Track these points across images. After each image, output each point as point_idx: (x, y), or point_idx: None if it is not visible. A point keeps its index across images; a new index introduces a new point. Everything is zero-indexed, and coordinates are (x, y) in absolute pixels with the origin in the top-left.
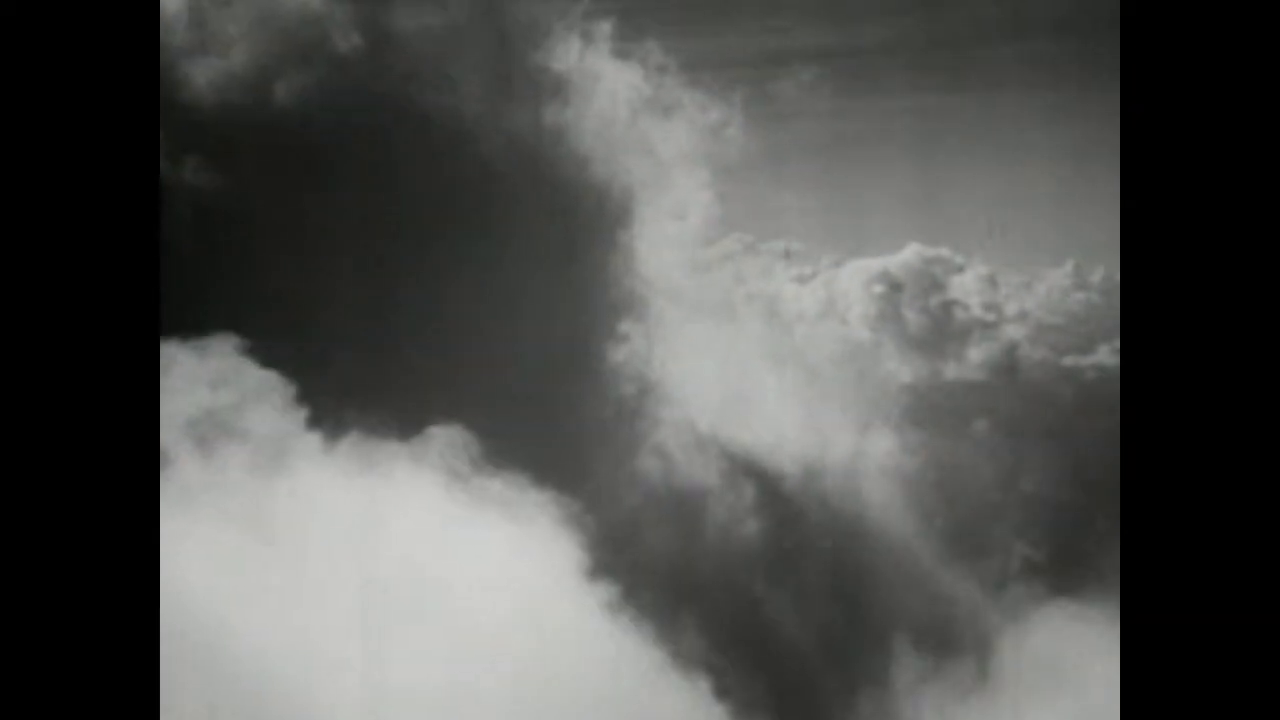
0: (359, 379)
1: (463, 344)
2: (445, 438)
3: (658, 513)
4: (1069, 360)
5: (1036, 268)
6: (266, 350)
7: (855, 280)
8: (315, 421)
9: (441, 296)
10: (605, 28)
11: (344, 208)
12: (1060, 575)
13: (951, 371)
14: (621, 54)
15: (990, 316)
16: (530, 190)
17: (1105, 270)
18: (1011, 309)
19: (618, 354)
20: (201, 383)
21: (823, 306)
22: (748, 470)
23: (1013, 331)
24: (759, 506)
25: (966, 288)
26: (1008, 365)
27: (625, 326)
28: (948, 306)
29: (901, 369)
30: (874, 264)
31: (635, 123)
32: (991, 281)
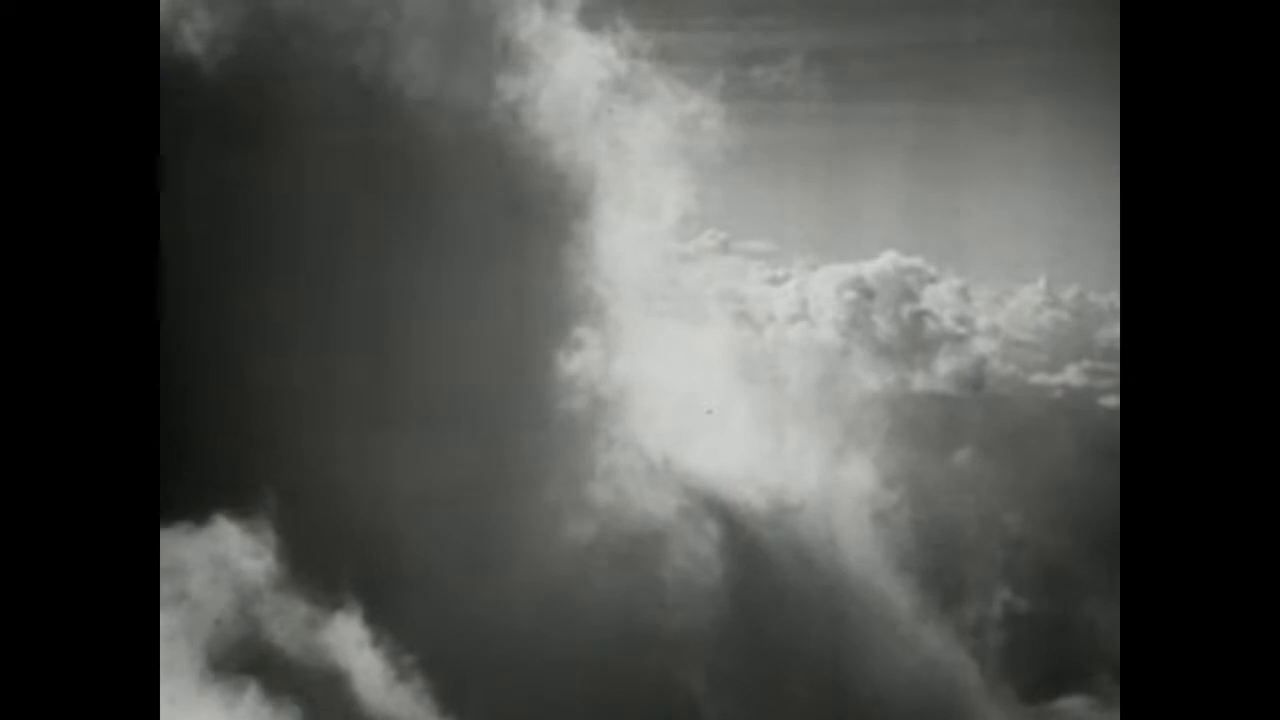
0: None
1: (365, 355)
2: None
3: (608, 562)
4: (1037, 378)
5: (1009, 283)
6: None
7: (828, 285)
8: None
9: (347, 290)
10: None
11: (244, 176)
12: (1044, 628)
13: (919, 382)
14: (590, 26)
15: (961, 329)
16: (476, 169)
17: (1078, 289)
18: (982, 323)
19: (570, 364)
20: None
21: (795, 310)
22: (709, 507)
23: (982, 345)
24: (721, 551)
25: (939, 299)
26: (975, 380)
27: (581, 332)
28: (919, 317)
29: (869, 376)
30: (848, 269)
31: (603, 104)
32: (964, 294)
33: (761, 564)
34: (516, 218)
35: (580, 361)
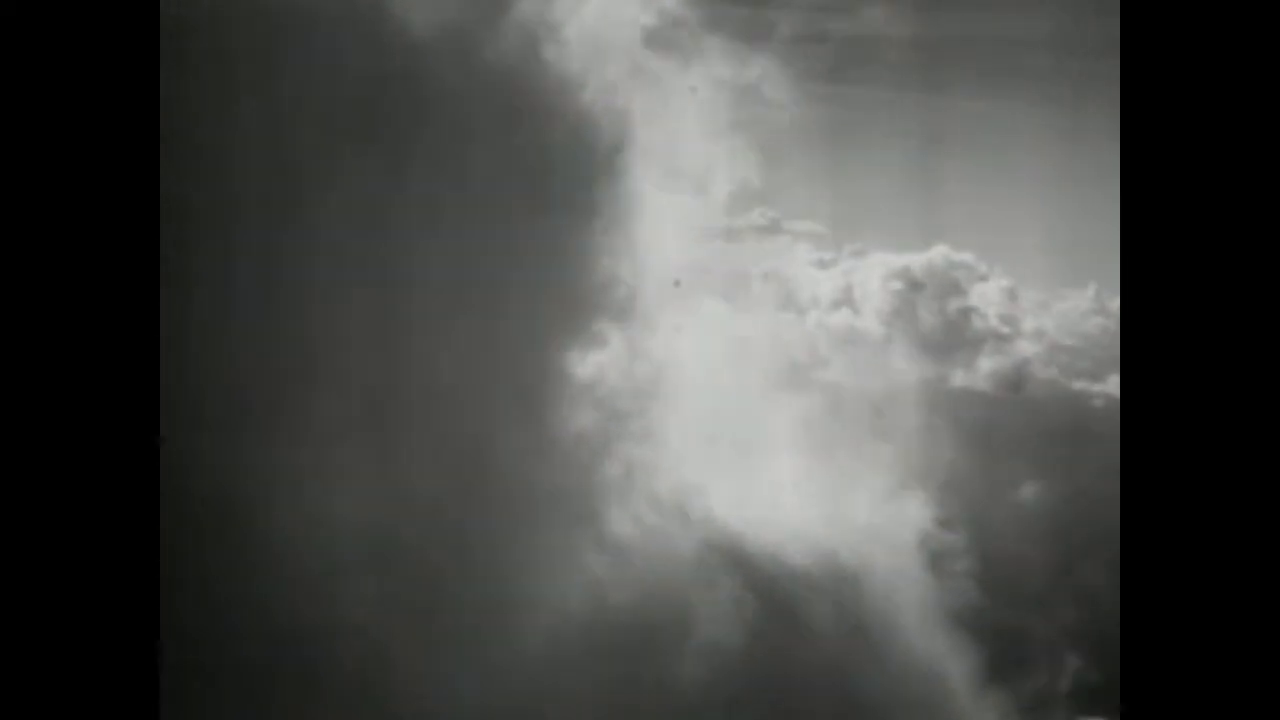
0: None
1: (312, 347)
2: None
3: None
4: (1078, 385)
5: (1058, 287)
6: None
7: (875, 272)
8: None
9: (300, 261)
10: None
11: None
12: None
13: (959, 379)
14: None
15: (1006, 329)
16: (483, 115)
17: None
18: (1028, 325)
19: (585, 367)
20: None
21: (839, 295)
22: (737, 558)
23: (1026, 347)
24: (751, 614)
25: (987, 297)
26: (1016, 381)
27: (601, 327)
28: (965, 313)
29: (909, 368)
30: (897, 259)
31: (647, 48)
32: (1012, 294)
33: (798, 628)
34: (529, 178)
35: (597, 365)
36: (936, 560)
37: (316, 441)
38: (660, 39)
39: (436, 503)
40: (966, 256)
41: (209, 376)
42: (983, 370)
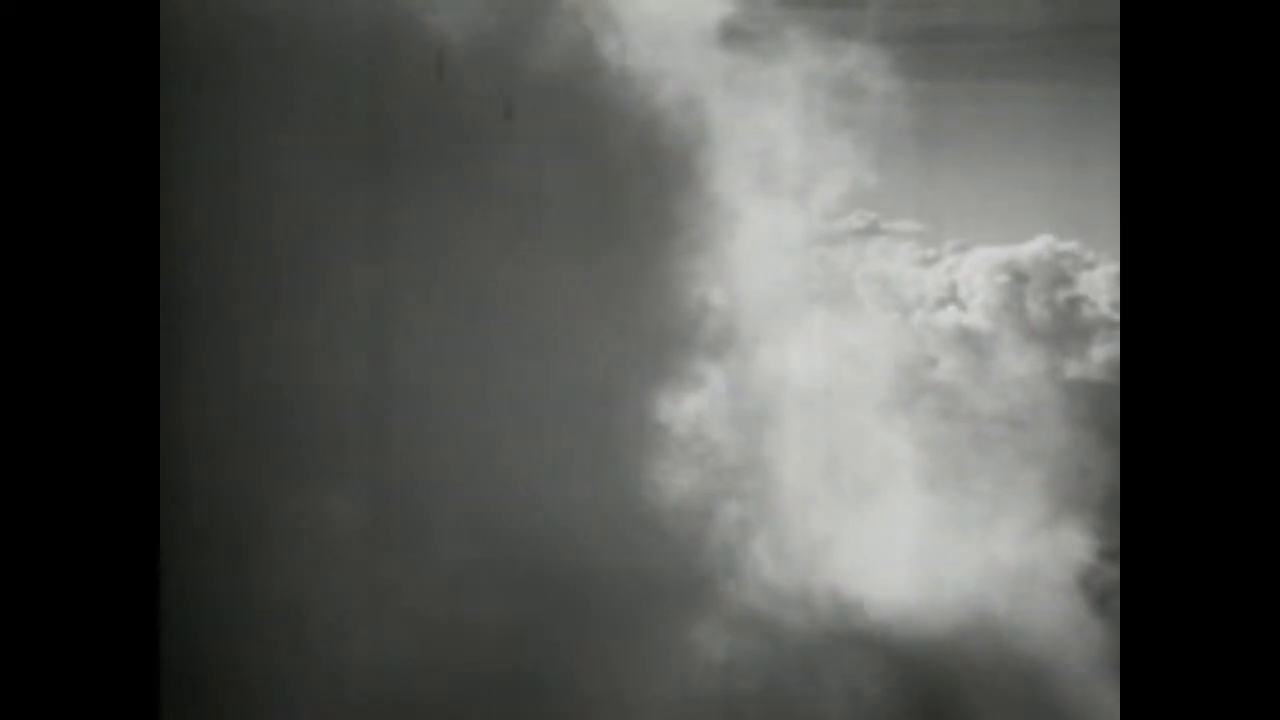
0: None
1: (344, 409)
2: None
3: None
4: None
5: None
6: None
7: (980, 268)
8: None
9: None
10: None
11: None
12: None
13: (1073, 369)
14: None
15: (1117, 316)
16: (532, 123)
17: None
18: None
19: (681, 417)
20: None
21: (944, 293)
22: (870, 628)
23: None
24: (890, 692)
25: (1095, 285)
26: None
27: (698, 365)
28: (1074, 302)
29: (1021, 363)
30: (1001, 253)
31: (723, 40)
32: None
33: (950, 710)
34: (593, 195)
35: (694, 411)
36: (1103, 600)
37: (322, 551)
38: (739, 30)
39: (490, 621)
40: (1072, 245)
41: (201, 465)
42: (1096, 360)
